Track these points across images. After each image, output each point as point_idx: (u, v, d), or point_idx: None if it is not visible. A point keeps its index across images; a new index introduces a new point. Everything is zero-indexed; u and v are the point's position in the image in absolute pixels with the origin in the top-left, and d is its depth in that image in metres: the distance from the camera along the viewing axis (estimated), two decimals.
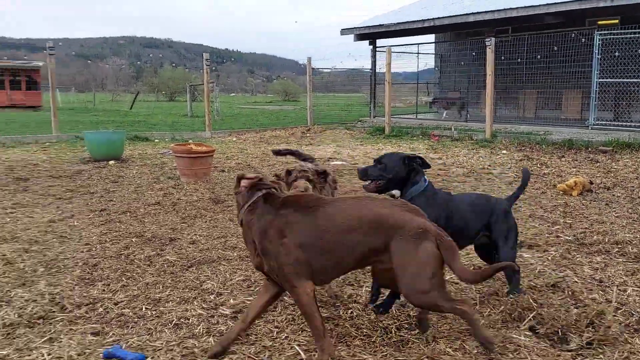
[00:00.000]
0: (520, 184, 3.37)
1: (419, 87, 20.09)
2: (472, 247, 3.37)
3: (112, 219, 5.03)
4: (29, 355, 2.48)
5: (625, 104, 12.89)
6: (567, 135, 11.16)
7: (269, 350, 2.54)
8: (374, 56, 17.65)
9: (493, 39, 11.88)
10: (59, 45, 28.92)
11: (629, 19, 12.35)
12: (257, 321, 2.71)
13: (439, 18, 15.52)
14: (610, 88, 12.48)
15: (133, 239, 4.39)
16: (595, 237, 4.35)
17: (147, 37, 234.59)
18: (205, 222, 4.98)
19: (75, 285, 3.39)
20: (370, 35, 17.65)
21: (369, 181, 3.10)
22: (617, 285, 3.32)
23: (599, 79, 12.01)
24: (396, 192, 3.08)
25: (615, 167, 8.14)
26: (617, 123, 12.24)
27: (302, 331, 2.71)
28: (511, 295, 2.99)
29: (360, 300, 3.11)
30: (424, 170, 3.11)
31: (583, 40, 12.73)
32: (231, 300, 3.14)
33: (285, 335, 2.69)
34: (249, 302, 3.04)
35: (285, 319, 2.87)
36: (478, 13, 14.44)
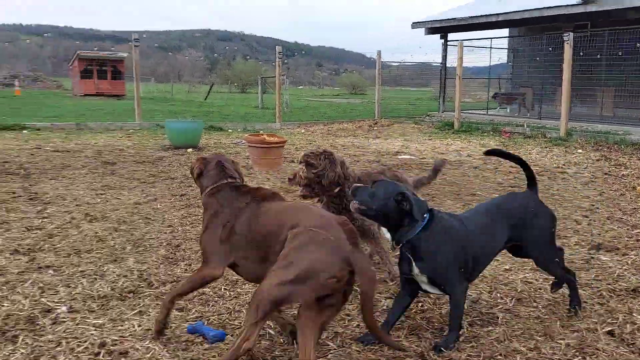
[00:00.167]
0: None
1: (490, 82, 19.51)
2: None
3: (191, 204, 5.31)
4: (122, 326, 2.70)
5: None
6: None
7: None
8: (445, 50, 17.32)
9: (571, 34, 11.33)
10: (143, 38, 30.36)
11: None
12: None
13: (514, 12, 14.98)
14: None
15: None
16: None
17: (221, 30, 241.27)
18: None
19: (160, 263, 3.64)
20: (442, 29, 17.32)
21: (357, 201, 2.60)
22: None
23: None
24: (386, 235, 2.62)
25: None
26: None
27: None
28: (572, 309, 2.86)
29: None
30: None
31: None
32: None
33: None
34: None
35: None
36: (555, 7, 13.77)
